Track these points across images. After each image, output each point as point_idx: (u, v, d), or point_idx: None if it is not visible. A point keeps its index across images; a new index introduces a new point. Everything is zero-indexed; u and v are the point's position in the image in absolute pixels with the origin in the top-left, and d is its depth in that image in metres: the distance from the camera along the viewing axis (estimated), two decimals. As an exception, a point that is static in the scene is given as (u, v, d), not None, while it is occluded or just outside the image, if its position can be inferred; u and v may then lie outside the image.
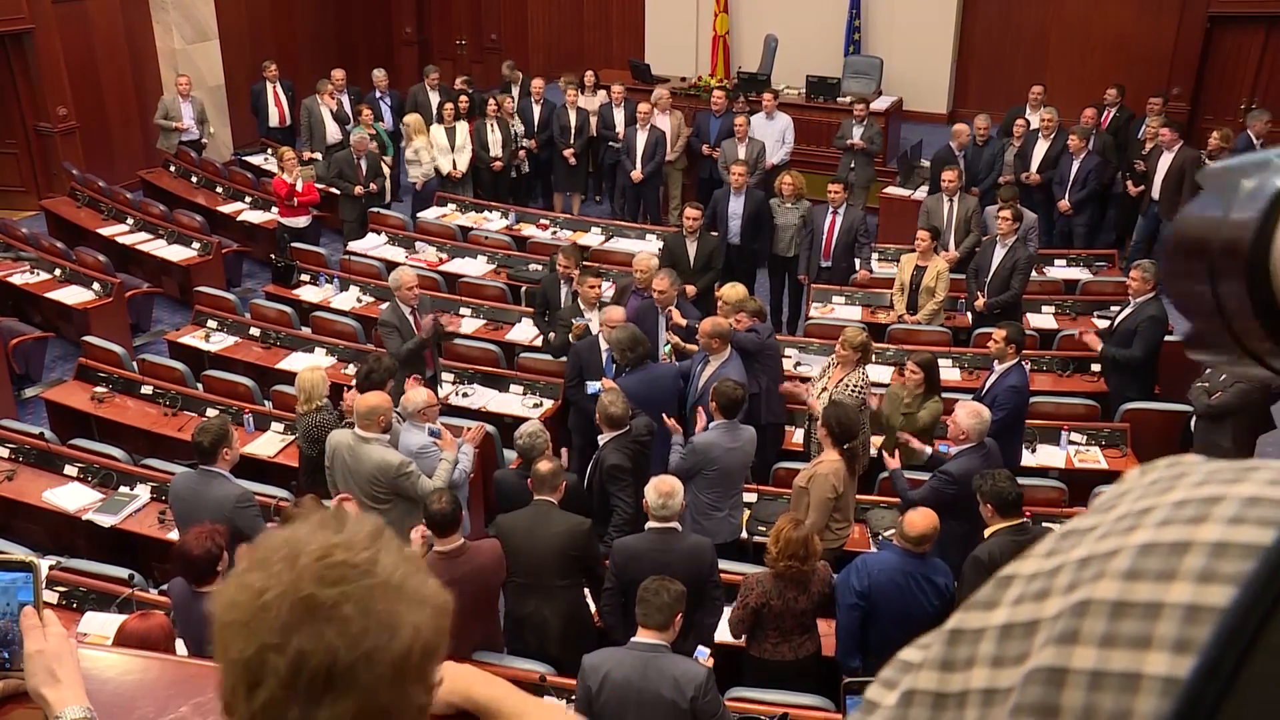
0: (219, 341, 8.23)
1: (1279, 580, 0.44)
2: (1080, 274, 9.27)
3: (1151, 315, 6.86)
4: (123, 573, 5.34)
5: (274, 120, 12.24)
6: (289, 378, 7.12)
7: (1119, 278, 8.75)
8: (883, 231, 10.28)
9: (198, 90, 12.05)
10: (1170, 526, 0.49)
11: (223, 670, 0.93)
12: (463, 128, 10.88)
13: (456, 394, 7.41)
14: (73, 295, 8.81)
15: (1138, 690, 0.46)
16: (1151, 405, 7.05)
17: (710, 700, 4.03)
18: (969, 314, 8.30)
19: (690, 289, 8.10)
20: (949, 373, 7.40)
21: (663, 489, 4.83)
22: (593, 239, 10.04)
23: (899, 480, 5.70)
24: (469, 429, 5.92)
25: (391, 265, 8.62)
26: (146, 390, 7.39)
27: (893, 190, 10.95)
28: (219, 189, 11.23)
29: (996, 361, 6.48)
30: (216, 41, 13.30)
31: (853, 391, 6.17)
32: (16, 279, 9.11)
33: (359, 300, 8.90)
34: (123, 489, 6.33)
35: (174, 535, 5.47)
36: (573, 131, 11.03)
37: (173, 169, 11.59)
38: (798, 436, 6.99)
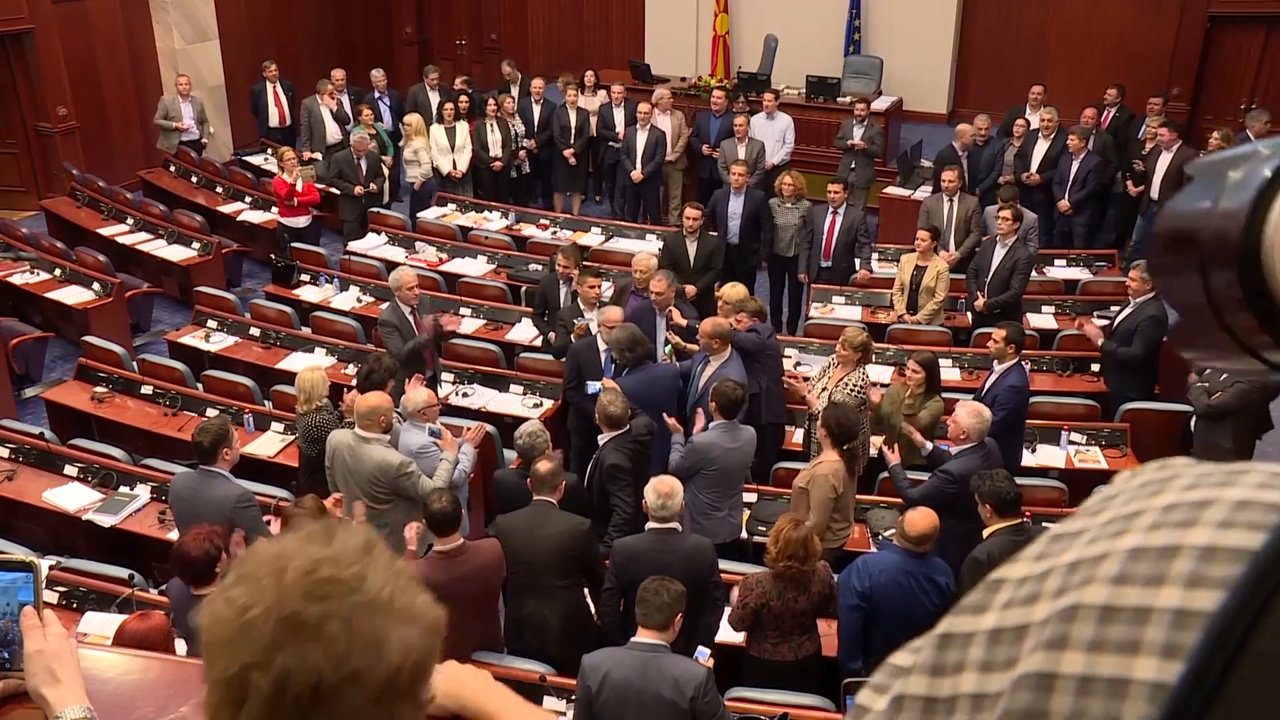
0: (219, 341, 8.23)
1: (1267, 585, 0.44)
2: (1080, 274, 9.27)
3: (1151, 315, 6.86)
4: (123, 573, 5.34)
5: (274, 120, 12.24)
6: (289, 378, 7.12)
7: (1119, 278, 8.75)
8: (883, 231, 10.28)
9: (198, 90, 12.05)
10: (1159, 531, 0.49)
11: (208, 688, 0.91)
12: (463, 128, 10.88)
13: (456, 394, 7.41)
14: (73, 295, 8.81)
15: (1126, 696, 0.45)
16: (1151, 405, 7.05)
17: (710, 700, 4.03)
18: (969, 314, 8.30)
19: (690, 289, 8.10)
20: (949, 373, 7.40)
21: (662, 490, 4.83)
22: (593, 239, 10.03)
23: (899, 476, 5.70)
24: (469, 429, 5.92)
25: (391, 265, 8.62)
26: (146, 390, 7.39)
27: (893, 190, 10.95)
28: (219, 189, 11.23)
29: (996, 361, 6.48)
30: (216, 41, 13.30)
31: (853, 391, 6.17)
32: (16, 279, 9.11)
33: (359, 300, 8.90)
34: (123, 489, 6.33)
35: (174, 535, 5.46)
36: (573, 131, 11.02)
37: (173, 169, 11.58)
38: (797, 436, 6.99)
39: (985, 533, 4.93)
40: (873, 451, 6.40)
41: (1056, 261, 9.52)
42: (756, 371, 6.50)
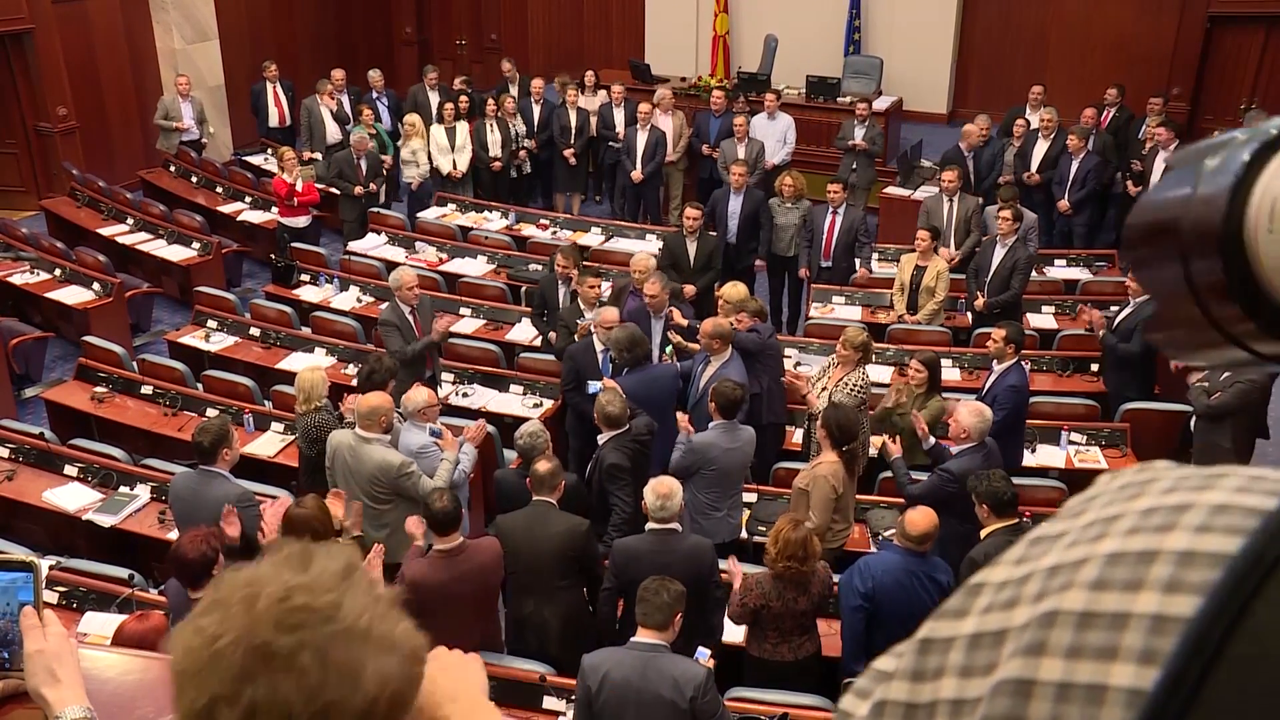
0: (219, 341, 8.23)
1: (1244, 590, 0.43)
2: (1080, 274, 9.27)
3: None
4: (123, 573, 5.34)
5: (274, 120, 12.24)
6: (289, 378, 7.12)
7: (1119, 278, 8.75)
8: (883, 231, 10.28)
9: (198, 90, 12.05)
10: (1138, 535, 0.49)
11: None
12: (463, 128, 10.88)
13: (456, 394, 7.41)
14: (73, 295, 8.81)
15: (1103, 702, 0.45)
16: (1151, 405, 7.05)
17: (710, 700, 4.03)
18: (969, 314, 8.30)
19: (690, 289, 8.10)
20: (949, 373, 7.39)
21: (660, 490, 4.82)
22: (593, 239, 10.04)
23: (900, 469, 5.70)
24: (469, 427, 5.91)
25: (391, 265, 8.62)
26: (146, 390, 7.39)
27: (893, 190, 10.95)
28: (219, 189, 11.23)
29: (996, 361, 6.49)
30: (216, 41, 13.30)
31: (853, 391, 6.17)
32: (16, 279, 9.10)
33: (359, 300, 8.90)
34: (123, 489, 6.33)
35: (174, 535, 5.47)
36: (573, 131, 11.03)
37: (173, 169, 11.58)
38: (797, 437, 6.99)
39: (983, 533, 4.93)
40: (872, 451, 6.40)
41: (1056, 261, 9.52)
42: (757, 371, 6.50)
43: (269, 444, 6.91)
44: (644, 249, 8.92)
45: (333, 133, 11.45)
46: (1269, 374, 6.33)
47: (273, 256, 9.41)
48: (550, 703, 4.65)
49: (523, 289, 8.94)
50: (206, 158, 11.81)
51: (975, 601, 0.55)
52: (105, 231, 10.11)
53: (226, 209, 10.89)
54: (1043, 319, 8.54)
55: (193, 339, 8.25)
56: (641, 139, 10.52)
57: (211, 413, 6.91)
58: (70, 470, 6.46)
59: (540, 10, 15.87)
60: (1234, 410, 6.24)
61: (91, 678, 1.42)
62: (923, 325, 8.02)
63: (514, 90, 11.72)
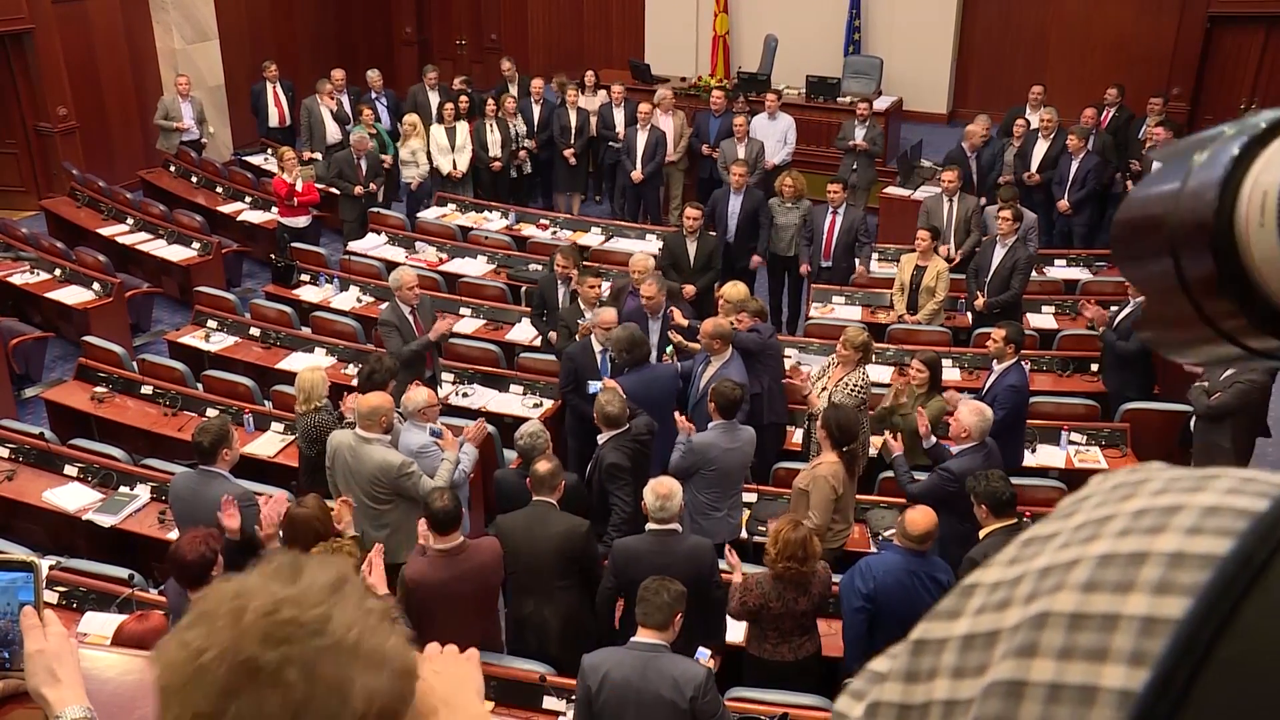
0: (219, 341, 8.23)
1: (1234, 592, 0.43)
2: (1080, 274, 9.27)
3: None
4: (123, 573, 5.34)
5: (274, 120, 12.24)
6: (289, 378, 7.12)
7: (1119, 278, 8.74)
8: (883, 231, 10.28)
9: (198, 90, 12.05)
10: (1129, 537, 0.49)
11: None
12: (463, 128, 10.88)
13: (456, 394, 7.41)
14: (73, 295, 8.81)
15: (1093, 704, 0.45)
16: (1151, 405, 7.05)
17: (710, 700, 4.03)
18: (969, 314, 8.30)
19: (689, 289, 8.10)
20: (949, 373, 7.40)
21: (660, 491, 4.82)
22: (593, 239, 10.04)
23: (901, 466, 5.70)
24: (469, 428, 5.92)
25: (391, 265, 8.62)
26: (146, 390, 7.39)
27: (893, 190, 10.95)
28: (219, 189, 11.23)
29: (996, 361, 6.49)
30: (216, 41, 13.30)
31: (853, 391, 6.17)
32: (16, 279, 9.11)
33: (359, 300, 8.90)
34: (123, 489, 6.33)
35: (174, 535, 5.47)
36: (573, 131, 11.03)
37: (173, 169, 11.59)
38: (797, 437, 6.99)
39: (981, 533, 4.93)
40: (872, 451, 6.41)
41: (1056, 261, 9.52)
42: (758, 371, 6.50)
43: (269, 444, 6.91)
44: (644, 249, 8.92)
45: (333, 133, 11.45)
46: (1269, 373, 6.33)
47: (273, 256, 9.41)
48: (550, 703, 4.65)
49: (523, 289, 8.94)
50: (206, 158, 11.81)
51: (968, 603, 0.55)
52: (105, 231, 10.11)
53: (226, 209, 10.89)
54: (1043, 319, 8.54)
55: (193, 339, 8.26)
56: (641, 139, 10.52)
57: (211, 413, 6.91)
58: (70, 470, 6.46)
59: (540, 10, 15.87)
60: (1234, 410, 6.24)
61: (91, 678, 1.42)
62: (923, 325, 8.03)
63: (514, 90, 11.72)
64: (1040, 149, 10.09)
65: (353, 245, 9.87)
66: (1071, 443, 6.80)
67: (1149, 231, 0.57)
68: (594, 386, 6.25)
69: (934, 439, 5.84)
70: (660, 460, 5.91)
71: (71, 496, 6.27)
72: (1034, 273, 8.50)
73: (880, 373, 7.25)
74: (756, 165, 9.94)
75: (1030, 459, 6.67)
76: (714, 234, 8.76)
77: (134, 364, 7.83)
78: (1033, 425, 6.76)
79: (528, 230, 10.34)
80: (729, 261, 8.80)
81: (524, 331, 8.32)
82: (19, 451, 6.60)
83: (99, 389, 7.44)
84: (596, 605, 5.02)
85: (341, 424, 5.85)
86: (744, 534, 5.99)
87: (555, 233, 10.23)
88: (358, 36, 15.72)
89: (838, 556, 5.47)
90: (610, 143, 11.29)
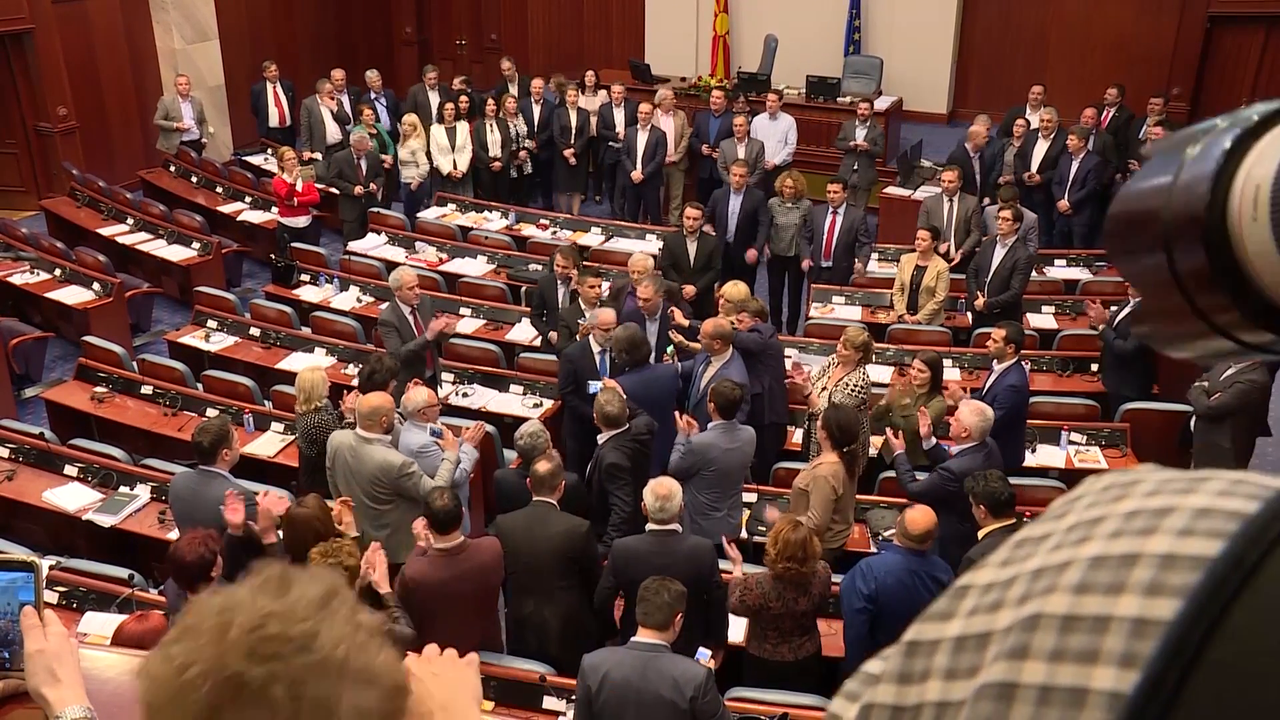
0: (219, 341, 8.23)
1: (1224, 593, 0.43)
2: (1080, 274, 9.27)
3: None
4: (123, 573, 5.34)
5: (274, 120, 12.24)
6: (289, 378, 7.12)
7: (1118, 277, 8.74)
8: (883, 231, 10.28)
9: (198, 90, 12.06)
10: (1120, 538, 0.49)
11: None
12: (463, 128, 10.88)
13: (456, 394, 7.41)
14: (73, 295, 8.81)
15: (1084, 705, 0.45)
16: (1151, 405, 7.06)
17: (710, 700, 4.03)
18: (969, 314, 8.31)
19: (690, 289, 8.10)
20: (949, 373, 7.39)
21: (659, 492, 4.82)
22: (593, 239, 10.04)
23: (903, 464, 5.70)
24: (468, 428, 5.92)
25: (391, 265, 8.62)
26: (146, 390, 7.39)
27: (893, 190, 10.95)
28: (219, 189, 11.23)
29: (996, 361, 6.49)
30: (216, 41, 13.30)
31: (853, 391, 6.17)
32: (16, 279, 9.10)
33: (359, 300, 8.90)
34: (123, 489, 6.33)
35: (174, 535, 5.47)
36: (573, 132, 11.03)
37: (173, 169, 11.59)
38: (797, 437, 6.99)
39: (980, 533, 4.93)
40: (872, 451, 6.41)
41: (1056, 261, 9.52)
42: (759, 371, 6.50)
43: (269, 444, 6.91)
44: (644, 249, 8.92)
45: (333, 133, 11.45)
46: (1269, 373, 6.33)
47: (273, 256, 9.41)
48: (550, 703, 4.65)
49: (523, 289, 8.94)
50: (206, 158, 11.81)
51: (961, 604, 0.55)
52: (105, 231, 10.11)
53: (226, 209, 10.89)
54: (1043, 319, 8.54)
55: (193, 339, 8.26)
56: (642, 139, 10.52)
57: (211, 413, 6.91)
58: (70, 470, 6.46)
59: (540, 10, 15.87)
60: (1234, 410, 6.24)
61: (91, 678, 1.42)
62: (923, 325, 8.03)
63: (514, 90, 11.72)
64: (1040, 149, 10.09)
65: (353, 245, 9.87)
66: (1071, 443, 6.80)
67: (1142, 225, 0.57)
68: (594, 387, 6.25)
69: (934, 440, 5.85)
70: (660, 460, 5.91)
71: (71, 496, 6.27)
72: (1034, 273, 8.50)
73: (880, 373, 7.25)
74: (756, 165, 9.94)
75: (1030, 459, 6.67)
76: (714, 234, 8.76)
77: (134, 364, 7.83)
78: (1033, 425, 6.76)
79: (528, 230, 10.34)
80: (729, 262, 8.80)
81: (524, 331, 8.32)
82: (19, 451, 6.60)
83: (99, 389, 7.44)
84: (595, 604, 5.02)
85: (341, 424, 5.85)
86: (744, 534, 5.99)
87: (555, 233, 10.23)
88: (358, 36, 15.73)
89: (838, 556, 5.47)
90: (610, 143, 11.29)
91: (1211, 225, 0.53)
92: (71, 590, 5.19)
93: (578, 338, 6.95)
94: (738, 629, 5.03)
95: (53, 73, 11.67)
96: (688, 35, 14.23)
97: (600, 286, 7.38)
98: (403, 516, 5.37)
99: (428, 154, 10.82)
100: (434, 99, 11.54)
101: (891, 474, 6.08)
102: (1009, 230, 7.94)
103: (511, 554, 4.92)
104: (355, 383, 6.41)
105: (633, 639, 4.18)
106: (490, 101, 11.18)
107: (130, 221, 10.23)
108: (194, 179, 11.39)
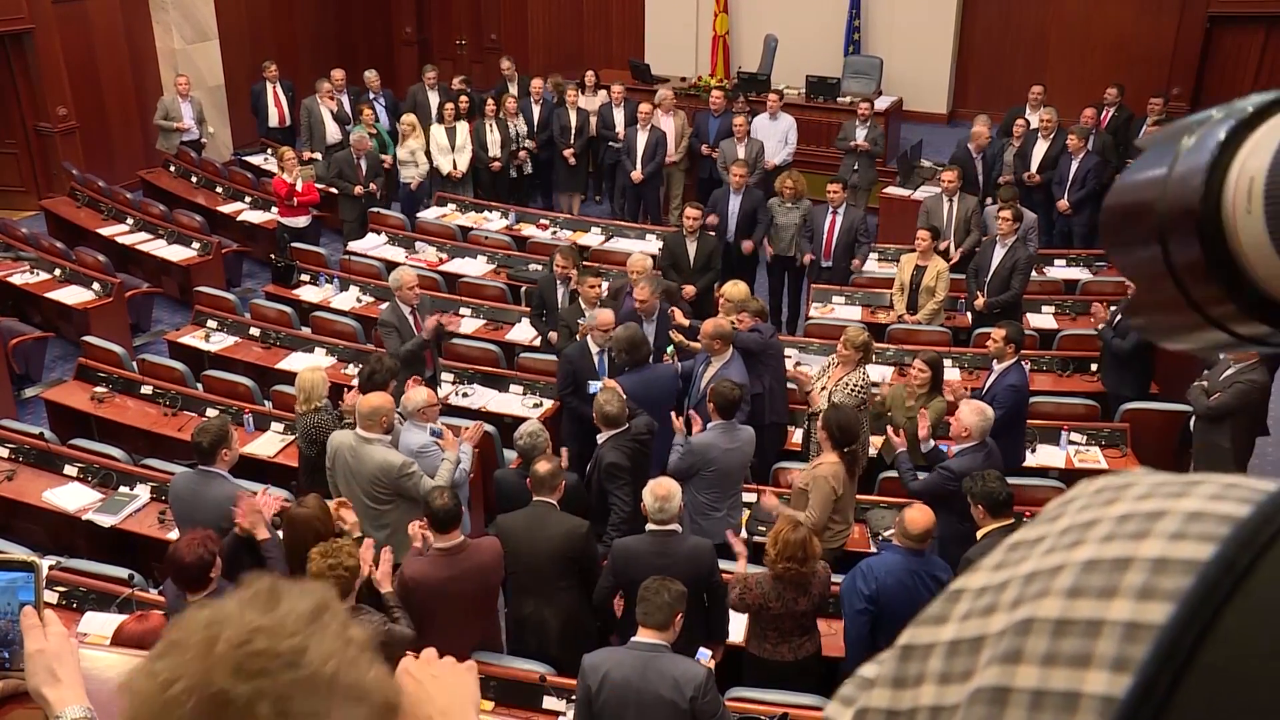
0: (219, 341, 8.23)
1: (1216, 597, 0.43)
2: (1080, 274, 9.27)
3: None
4: (123, 573, 5.35)
5: (274, 120, 12.24)
6: (289, 378, 7.12)
7: (1118, 277, 8.74)
8: (883, 231, 10.28)
9: (198, 90, 12.06)
10: (1113, 542, 0.49)
11: None
12: (463, 128, 10.88)
13: (456, 394, 7.41)
14: (73, 295, 8.81)
15: (1077, 710, 0.45)
16: (1151, 405, 7.05)
17: (710, 700, 4.03)
18: (969, 314, 8.31)
19: (689, 289, 8.10)
20: (949, 373, 7.39)
21: (659, 492, 4.82)
22: (593, 239, 10.04)
23: (904, 463, 5.70)
24: (467, 428, 5.92)
25: (391, 265, 8.62)
26: (146, 390, 7.39)
27: (893, 190, 10.95)
28: (219, 189, 11.23)
29: (996, 361, 6.49)
30: (216, 41, 13.30)
31: (853, 391, 6.17)
32: (16, 279, 9.10)
33: (359, 300, 8.90)
34: (123, 489, 6.33)
35: (174, 535, 5.47)
36: (573, 132, 11.03)
37: (173, 169, 11.59)
38: (797, 436, 6.99)
39: (979, 534, 4.93)
40: (872, 451, 6.40)
41: (1056, 261, 9.52)
42: (759, 371, 6.50)
43: (269, 444, 6.91)
44: (644, 249, 8.92)
45: (333, 133, 11.45)
46: (1268, 372, 6.33)
47: (273, 256, 9.41)
48: (550, 703, 4.66)
49: (522, 289, 8.94)
50: (206, 158, 11.81)
51: (954, 608, 0.55)
52: (105, 231, 10.11)
53: (226, 209, 10.89)
54: (1043, 319, 8.54)
55: (193, 339, 8.26)
56: (642, 139, 10.52)
57: (211, 413, 6.91)
58: (70, 470, 6.46)
59: (540, 10, 15.87)
60: (1234, 410, 6.24)
61: (91, 678, 1.42)
62: (923, 325, 8.03)
63: (514, 90, 11.72)
64: (1040, 149, 10.09)
65: (353, 245, 9.87)
66: (1071, 443, 6.80)
67: (1137, 217, 0.57)
68: (594, 387, 6.25)
69: (932, 443, 5.85)
70: (660, 460, 5.91)
71: (71, 496, 6.27)
72: (1034, 273, 8.51)
73: (880, 373, 7.25)
74: (756, 165, 9.94)
75: (1030, 459, 6.67)
76: (714, 234, 8.76)
77: (134, 364, 7.83)
78: (1033, 425, 6.76)
79: (528, 230, 10.34)
80: (729, 261, 8.80)
81: (524, 331, 8.32)
82: (19, 451, 6.61)
83: (99, 389, 7.44)
84: (594, 603, 5.02)
85: (341, 424, 5.85)
86: (744, 534, 5.98)
87: (555, 233, 10.23)
88: (358, 36, 15.72)
89: (838, 556, 5.47)
90: (610, 143, 11.29)
91: (1206, 217, 0.52)
92: (71, 590, 5.20)
93: (577, 338, 6.95)
94: (737, 629, 5.03)
95: (53, 73, 11.67)
96: (688, 35, 14.23)
97: (600, 286, 7.38)
98: (403, 516, 5.37)
99: (427, 154, 10.82)
100: (434, 99, 11.54)
101: (892, 474, 6.08)
102: (1009, 230, 7.95)
103: (511, 554, 4.92)
104: (355, 383, 6.41)
105: (633, 639, 4.18)
106: (490, 101, 11.18)
107: (130, 221, 10.23)
108: (194, 179, 11.39)
